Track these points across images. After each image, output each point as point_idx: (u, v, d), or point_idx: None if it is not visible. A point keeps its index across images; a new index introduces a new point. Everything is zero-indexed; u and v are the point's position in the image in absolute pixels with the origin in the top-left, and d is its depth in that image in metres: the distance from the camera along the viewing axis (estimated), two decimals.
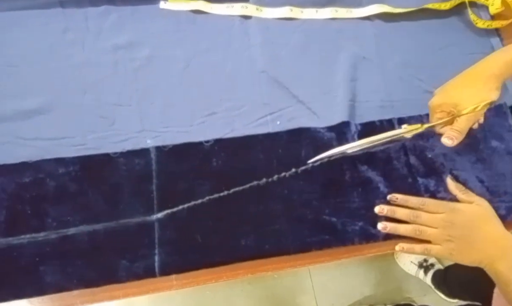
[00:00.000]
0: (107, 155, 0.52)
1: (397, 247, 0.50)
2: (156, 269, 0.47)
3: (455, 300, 1.21)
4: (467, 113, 0.50)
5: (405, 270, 1.26)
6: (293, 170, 0.52)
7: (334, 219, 0.51)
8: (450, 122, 0.52)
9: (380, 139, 0.53)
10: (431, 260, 1.24)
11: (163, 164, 0.52)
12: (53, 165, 0.50)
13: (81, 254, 0.47)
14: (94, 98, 0.55)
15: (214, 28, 0.61)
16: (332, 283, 1.23)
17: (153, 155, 0.52)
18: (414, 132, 0.53)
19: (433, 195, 0.53)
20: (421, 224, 0.50)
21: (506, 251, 0.48)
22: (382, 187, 0.53)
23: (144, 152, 0.52)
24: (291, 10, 0.62)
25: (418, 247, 0.50)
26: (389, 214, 0.51)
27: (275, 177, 0.52)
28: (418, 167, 0.54)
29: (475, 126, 0.55)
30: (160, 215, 0.49)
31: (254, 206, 0.51)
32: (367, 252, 0.51)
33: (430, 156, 0.55)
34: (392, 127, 0.56)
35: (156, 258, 0.48)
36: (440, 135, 0.52)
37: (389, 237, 0.51)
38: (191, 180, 0.51)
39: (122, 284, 0.47)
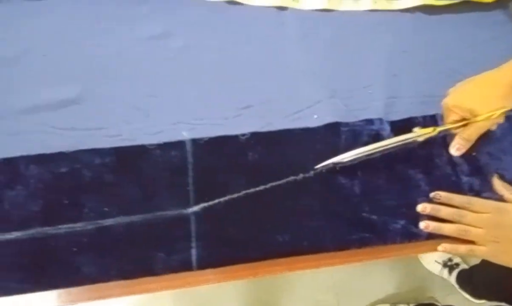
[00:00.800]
0: (143, 147, 0.51)
1: (440, 248, 0.48)
2: (193, 263, 0.46)
3: (480, 301, 1.18)
4: (482, 120, 0.48)
5: (429, 269, 1.23)
6: (331, 165, 0.51)
7: (374, 217, 0.49)
8: (464, 126, 0.50)
9: (390, 144, 0.51)
10: (456, 259, 1.22)
11: (199, 157, 0.51)
12: (89, 156, 0.50)
13: (117, 246, 0.47)
14: (128, 88, 0.55)
15: (249, 19, 0.60)
16: (354, 281, 1.21)
17: (189, 148, 0.51)
18: (427, 135, 0.51)
19: (477, 194, 0.51)
20: (465, 224, 0.48)
21: None
22: (423, 185, 0.51)
23: (180, 144, 0.51)
24: (329, 1, 0.60)
25: (462, 248, 0.48)
26: (433, 213, 0.49)
27: (312, 172, 0.51)
28: (462, 165, 0.52)
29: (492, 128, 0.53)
30: (196, 208, 0.49)
31: (291, 202, 0.50)
32: (409, 251, 0.49)
33: (474, 154, 0.53)
34: (435, 123, 0.54)
35: (193, 251, 0.47)
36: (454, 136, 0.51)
37: (432, 236, 0.49)
38: (227, 174, 0.50)
39: (158, 276, 0.46)
